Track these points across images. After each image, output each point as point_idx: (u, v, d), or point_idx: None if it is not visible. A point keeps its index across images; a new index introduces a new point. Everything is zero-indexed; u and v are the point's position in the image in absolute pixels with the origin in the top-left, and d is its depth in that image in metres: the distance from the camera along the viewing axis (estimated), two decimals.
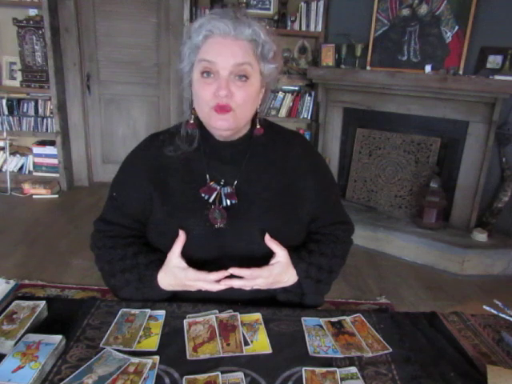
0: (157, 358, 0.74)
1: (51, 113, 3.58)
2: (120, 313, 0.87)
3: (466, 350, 0.82)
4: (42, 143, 3.70)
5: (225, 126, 0.88)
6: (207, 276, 0.87)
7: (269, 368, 0.74)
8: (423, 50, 2.94)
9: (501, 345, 0.85)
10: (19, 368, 0.69)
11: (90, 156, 3.92)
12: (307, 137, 3.48)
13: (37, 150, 3.70)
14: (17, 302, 0.87)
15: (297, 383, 0.71)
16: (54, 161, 3.69)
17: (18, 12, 3.41)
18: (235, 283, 0.88)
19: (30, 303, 0.86)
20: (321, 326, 0.86)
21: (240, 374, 0.71)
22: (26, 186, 3.57)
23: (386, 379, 0.73)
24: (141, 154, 1.01)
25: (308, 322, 0.87)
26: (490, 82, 2.57)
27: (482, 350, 0.83)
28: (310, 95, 3.55)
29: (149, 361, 0.73)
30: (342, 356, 0.78)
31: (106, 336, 0.80)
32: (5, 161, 3.64)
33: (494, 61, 2.71)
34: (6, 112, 3.56)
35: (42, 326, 0.82)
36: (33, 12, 3.47)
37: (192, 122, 0.95)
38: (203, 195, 0.94)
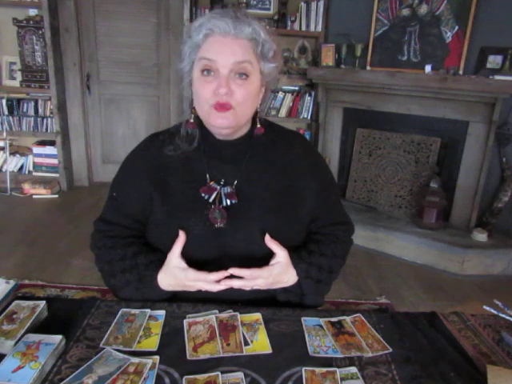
0: (157, 357, 0.74)
1: (51, 113, 3.58)
2: (120, 313, 0.87)
3: (466, 349, 0.82)
4: (42, 143, 3.70)
5: (224, 124, 0.88)
6: (207, 276, 0.87)
7: (269, 368, 0.74)
8: (423, 50, 2.94)
9: (501, 345, 0.85)
10: (19, 368, 0.69)
11: (90, 156, 3.92)
12: (307, 137, 3.48)
13: (37, 150, 3.70)
14: (17, 301, 0.86)
15: (297, 383, 0.71)
16: (54, 161, 3.69)
17: (18, 12, 3.41)
18: (235, 283, 0.88)
19: (30, 303, 0.86)
20: (321, 326, 0.86)
21: (240, 374, 0.71)
22: (26, 186, 3.57)
23: (386, 379, 0.73)
24: (141, 153, 1.01)
25: (308, 321, 0.87)
26: (490, 82, 2.57)
27: (482, 350, 0.83)
28: (310, 95, 3.55)
29: (149, 361, 0.73)
30: (341, 356, 0.78)
31: (106, 336, 0.80)
32: (5, 161, 3.64)
33: (494, 61, 2.71)
34: (6, 112, 3.56)
35: (42, 326, 0.82)
36: (33, 12, 3.47)
37: (192, 121, 0.95)
38: (203, 195, 0.94)
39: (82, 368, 0.71)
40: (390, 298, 2.33)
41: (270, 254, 0.92)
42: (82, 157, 3.86)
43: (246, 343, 0.79)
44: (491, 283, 2.56)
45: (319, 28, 3.42)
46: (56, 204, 3.48)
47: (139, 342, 0.79)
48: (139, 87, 3.80)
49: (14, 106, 3.57)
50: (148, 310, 0.87)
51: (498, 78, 2.56)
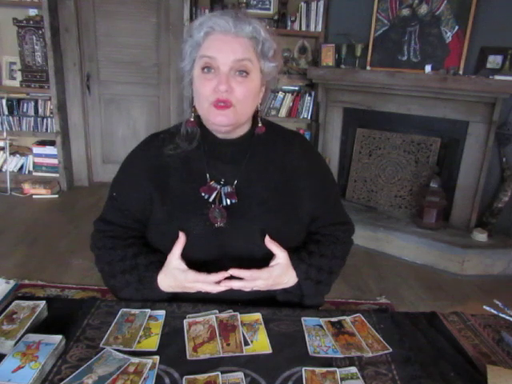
0: (157, 357, 0.74)
1: (51, 113, 3.58)
2: (120, 313, 0.87)
3: (466, 350, 0.82)
4: (42, 143, 3.70)
5: (224, 122, 0.89)
6: (207, 277, 0.87)
7: (269, 368, 0.74)
8: (423, 50, 2.94)
9: (501, 345, 0.85)
10: (19, 368, 0.69)
11: (90, 156, 3.92)
12: (307, 137, 3.48)
13: (37, 150, 3.70)
14: (17, 301, 0.86)
15: (297, 383, 0.71)
16: (54, 161, 3.69)
17: (18, 12, 3.41)
18: (235, 284, 0.88)
19: (30, 303, 0.86)
20: (321, 326, 0.86)
21: (240, 374, 0.71)
22: (26, 186, 3.57)
23: (386, 379, 0.73)
24: (141, 153, 1.01)
25: (308, 321, 0.87)
26: (490, 82, 2.57)
27: (482, 350, 0.83)
28: (310, 95, 3.55)
29: (149, 361, 0.73)
30: (342, 356, 0.78)
31: (106, 336, 0.80)
32: (5, 161, 3.64)
33: (494, 61, 2.71)
34: (6, 112, 3.56)
35: (42, 326, 0.82)
36: (33, 12, 3.47)
37: (192, 119, 0.96)
38: (203, 194, 0.94)
39: (82, 368, 0.71)
40: (390, 297, 2.33)
41: (270, 255, 0.92)
42: (82, 157, 3.86)
43: (246, 343, 0.79)
44: (491, 283, 2.56)
45: (319, 28, 3.42)
46: (56, 204, 3.48)
47: (139, 341, 0.79)
48: (139, 87, 3.80)
49: (14, 106, 3.57)
50: (148, 310, 0.87)
51: (497, 78, 2.56)
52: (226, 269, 0.87)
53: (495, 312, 0.97)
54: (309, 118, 3.59)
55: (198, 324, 0.84)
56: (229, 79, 0.86)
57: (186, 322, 0.84)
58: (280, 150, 1.01)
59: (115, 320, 0.84)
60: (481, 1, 2.70)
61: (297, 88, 3.62)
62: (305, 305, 0.99)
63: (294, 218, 0.98)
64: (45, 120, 3.61)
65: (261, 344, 0.79)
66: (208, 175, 0.96)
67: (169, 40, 3.68)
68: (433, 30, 2.89)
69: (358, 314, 0.90)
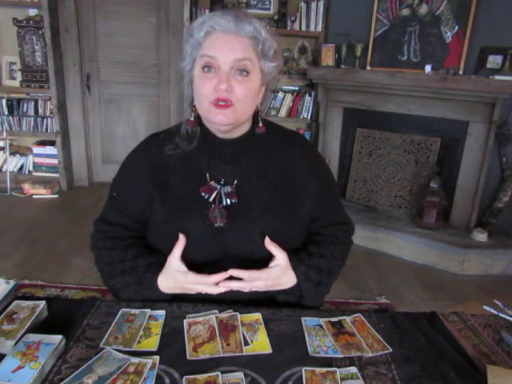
0: (157, 357, 0.74)
1: (51, 113, 3.58)
2: (120, 313, 0.87)
3: (466, 350, 0.82)
4: (42, 143, 3.70)
5: (224, 121, 0.88)
6: (207, 279, 0.87)
7: (269, 368, 0.74)
8: (423, 50, 2.94)
9: (501, 345, 0.85)
10: (19, 368, 0.69)
11: (90, 156, 3.92)
12: (307, 137, 3.48)
13: (37, 150, 3.70)
14: (17, 301, 0.86)
15: (297, 383, 0.71)
16: (54, 161, 3.69)
17: (18, 12, 3.41)
18: (234, 285, 0.88)
19: (30, 303, 0.86)
20: (321, 326, 0.86)
21: (240, 374, 0.71)
22: (26, 186, 3.57)
23: (386, 379, 0.73)
24: (141, 153, 1.01)
25: (308, 321, 0.87)
26: (490, 82, 2.56)
27: (482, 350, 0.83)
28: (310, 95, 3.55)
29: (149, 361, 0.73)
30: (342, 356, 0.78)
31: (106, 336, 0.80)
32: (5, 161, 3.63)
33: (493, 61, 2.71)
34: (6, 112, 3.56)
35: (42, 326, 0.82)
36: (33, 12, 3.47)
37: (192, 119, 0.96)
38: (203, 194, 0.94)
39: (82, 368, 0.71)
40: (390, 297, 2.33)
41: (270, 255, 0.92)
42: (82, 157, 3.86)
43: (246, 343, 0.79)
44: (491, 283, 2.56)
45: (319, 28, 3.42)
46: (56, 204, 3.48)
47: (139, 341, 0.79)
48: (139, 87, 3.80)
49: (14, 106, 3.57)
50: (148, 310, 0.87)
51: (497, 78, 2.56)
52: (225, 269, 0.87)
53: (495, 312, 0.97)
54: (309, 118, 3.60)
55: (197, 324, 0.84)
56: (229, 78, 0.86)
57: (185, 321, 0.84)
58: (280, 150, 1.01)
59: (115, 320, 0.84)
60: (481, 1, 2.69)
61: (297, 88, 3.62)
62: (305, 305, 0.99)
63: (294, 217, 0.98)
64: (45, 120, 3.61)
65: (261, 344, 0.79)
66: (208, 175, 0.96)
67: (169, 40, 3.68)
68: (433, 30, 2.89)
69: (357, 314, 0.90)
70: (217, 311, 0.88)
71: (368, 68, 3.12)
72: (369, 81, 3.00)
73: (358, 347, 0.80)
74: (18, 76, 3.52)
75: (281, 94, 3.56)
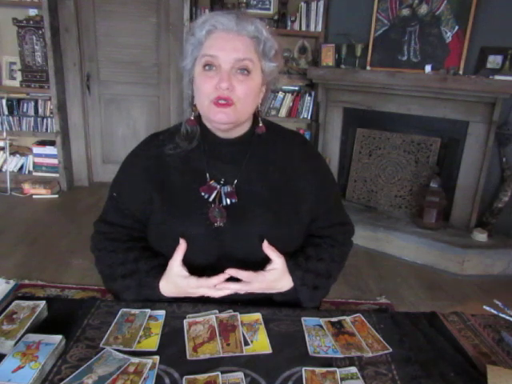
0: (157, 357, 0.74)
1: (51, 113, 3.58)
2: (120, 313, 0.87)
3: (466, 349, 0.82)
4: (42, 143, 3.70)
5: (224, 120, 0.88)
6: (208, 281, 0.87)
7: (269, 368, 0.74)
8: (423, 50, 2.94)
9: (501, 345, 0.85)
10: (19, 368, 0.69)
11: (90, 156, 3.92)
12: (307, 137, 3.48)
13: (37, 150, 3.70)
14: (17, 301, 0.86)
15: (297, 383, 0.71)
16: (54, 161, 3.69)
17: (18, 12, 3.41)
18: (232, 287, 0.88)
19: (30, 303, 0.86)
20: (321, 326, 0.86)
21: (240, 374, 0.71)
22: (26, 186, 3.57)
23: (386, 379, 0.73)
24: (141, 153, 1.01)
25: (308, 321, 0.87)
26: (490, 82, 2.57)
27: (482, 349, 0.83)
28: (310, 95, 3.55)
29: (149, 361, 0.73)
30: (342, 356, 0.78)
31: (106, 336, 0.80)
32: (5, 161, 3.63)
33: (494, 61, 2.71)
34: (6, 112, 3.56)
35: (42, 326, 0.82)
36: (33, 12, 3.47)
37: (192, 118, 0.96)
38: (203, 194, 0.94)
39: (82, 368, 0.71)
40: (390, 298, 2.33)
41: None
42: (82, 157, 3.86)
43: (246, 343, 0.79)
44: (491, 283, 2.56)
45: (319, 28, 3.42)
46: (56, 204, 3.48)
47: (139, 342, 0.79)
48: (139, 87, 3.80)
49: (14, 106, 3.57)
50: (148, 310, 0.87)
51: (497, 77, 2.56)
52: (225, 269, 0.87)
53: (495, 312, 0.97)
54: (309, 118, 3.59)
55: (197, 324, 0.84)
56: (230, 77, 0.86)
57: (185, 322, 0.84)
58: (280, 150, 1.01)
59: (115, 320, 0.84)
60: (481, 1, 2.69)
61: (297, 88, 3.62)
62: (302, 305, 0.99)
63: (293, 217, 0.98)
64: (45, 120, 3.61)
65: (261, 344, 0.79)
66: (208, 175, 0.96)
67: (169, 40, 3.68)
68: (433, 30, 2.89)
69: (358, 314, 0.90)
70: (217, 311, 0.88)
71: (368, 68, 3.12)
72: (369, 81, 3.00)
73: (357, 347, 0.80)
74: (18, 76, 3.52)
75: (281, 94, 3.56)
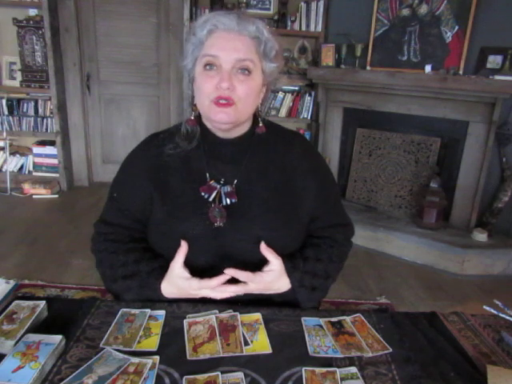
0: (157, 357, 0.74)
1: (51, 113, 3.58)
2: (120, 313, 0.87)
3: (466, 350, 0.82)
4: (42, 143, 3.70)
5: (224, 119, 0.88)
6: (209, 283, 0.86)
7: (269, 368, 0.74)
8: (423, 50, 2.94)
9: (501, 345, 0.85)
10: (19, 368, 0.69)
11: (90, 156, 3.92)
12: (307, 137, 3.48)
13: (37, 150, 3.70)
14: (17, 301, 0.86)
15: (297, 383, 0.71)
16: (54, 161, 3.69)
17: (18, 12, 3.41)
18: (231, 289, 0.88)
19: (30, 303, 0.86)
20: (321, 326, 0.86)
21: (240, 374, 0.71)
22: (26, 186, 3.57)
23: (386, 379, 0.73)
24: (141, 153, 1.01)
25: (308, 321, 0.87)
26: (490, 82, 2.56)
27: (482, 350, 0.83)
28: (310, 95, 3.55)
29: (149, 361, 0.73)
30: (342, 356, 0.78)
31: (106, 336, 0.80)
32: (5, 161, 3.63)
33: (494, 61, 2.71)
34: (6, 112, 3.56)
35: (42, 326, 0.82)
36: (33, 12, 3.47)
37: (192, 118, 0.96)
38: (203, 194, 0.94)
39: (82, 368, 0.71)
40: (390, 297, 2.33)
41: None
42: (82, 157, 3.86)
43: (246, 343, 0.79)
44: (491, 283, 2.56)
45: (319, 28, 3.42)
46: (56, 204, 3.48)
47: (139, 342, 0.79)
48: (139, 87, 3.80)
49: (14, 106, 3.57)
50: (148, 310, 0.87)
51: (497, 77, 2.56)
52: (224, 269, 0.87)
53: (495, 312, 0.97)
54: (309, 118, 3.59)
55: (198, 324, 0.84)
56: (231, 77, 0.86)
57: (185, 322, 0.84)
58: (280, 150, 1.01)
59: (115, 320, 0.84)
60: (481, 1, 2.69)
61: (297, 88, 3.62)
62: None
63: (293, 217, 0.98)
64: (45, 120, 3.61)
65: (261, 344, 0.79)
66: (208, 175, 0.96)
67: (169, 40, 3.68)
68: (433, 30, 2.89)
69: (358, 314, 0.90)
70: (217, 311, 0.88)
71: (368, 68, 3.12)
72: (369, 81, 3.00)
73: (358, 347, 0.80)
74: (18, 76, 3.52)
75: (281, 94, 3.56)
